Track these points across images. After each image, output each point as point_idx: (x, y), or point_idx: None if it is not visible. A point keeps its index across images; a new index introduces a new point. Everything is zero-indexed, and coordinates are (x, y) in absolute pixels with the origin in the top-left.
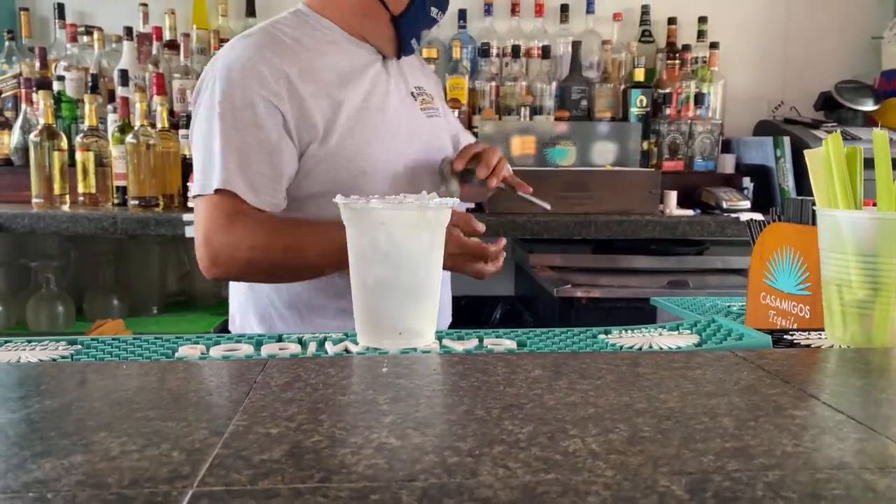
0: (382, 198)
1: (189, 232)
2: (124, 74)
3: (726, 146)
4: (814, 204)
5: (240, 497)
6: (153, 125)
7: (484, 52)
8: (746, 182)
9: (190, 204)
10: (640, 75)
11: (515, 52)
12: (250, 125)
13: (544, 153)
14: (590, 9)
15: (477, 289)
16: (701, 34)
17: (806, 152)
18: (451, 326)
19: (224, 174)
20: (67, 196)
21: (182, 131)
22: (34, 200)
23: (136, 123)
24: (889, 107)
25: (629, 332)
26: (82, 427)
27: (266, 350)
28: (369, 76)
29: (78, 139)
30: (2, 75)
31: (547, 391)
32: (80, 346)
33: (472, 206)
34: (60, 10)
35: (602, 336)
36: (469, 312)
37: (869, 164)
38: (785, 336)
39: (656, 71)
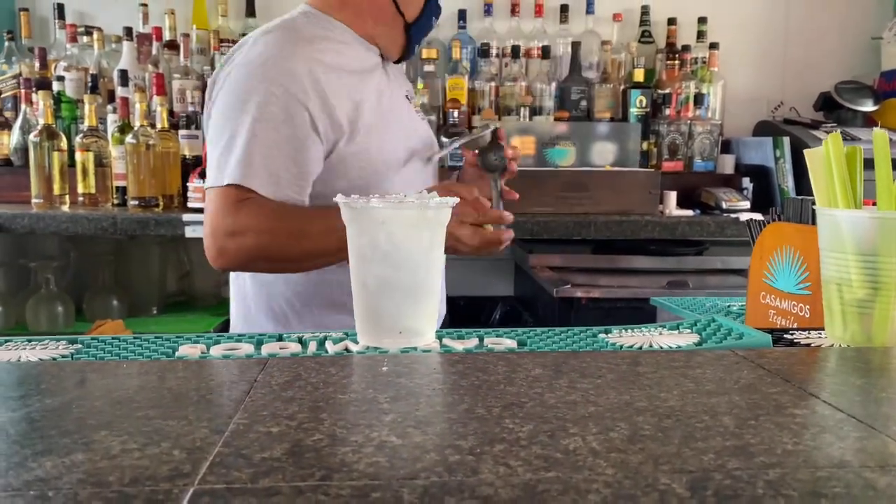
0: (382, 197)
1: (189, 232)
2: (124, 75)
3: (726, 146)
4: (814, 203)
5: (241, 495)
6: (153, 125)
7: (483, 52)
8: (746, 182)
9: (190, 204)
10: (639, 76)
11: (515, 52)
12: (277, 121)
13: (544, 153)
14: (589, 9)
15: (476, 289)
16: (700, 35)
17: (806, 152)
18: (451, 326)
19: (243, 169)
20: (67, 196)
21: (182, 132)
22: (34, 201)
23: (136, 124)
24: (888, 107)
25: (629, 331)
26: (83, 426)
27: (266, 349)
28: (376, 77)
29: (78, 139)
30: (1, 75)
31: (547, 390)
32: (80, 346)
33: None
34: (60, 10)
35: (602, 335)
36: (469, 312)
37: (869, 164)
38: (785, 335)
39: (656, 71)
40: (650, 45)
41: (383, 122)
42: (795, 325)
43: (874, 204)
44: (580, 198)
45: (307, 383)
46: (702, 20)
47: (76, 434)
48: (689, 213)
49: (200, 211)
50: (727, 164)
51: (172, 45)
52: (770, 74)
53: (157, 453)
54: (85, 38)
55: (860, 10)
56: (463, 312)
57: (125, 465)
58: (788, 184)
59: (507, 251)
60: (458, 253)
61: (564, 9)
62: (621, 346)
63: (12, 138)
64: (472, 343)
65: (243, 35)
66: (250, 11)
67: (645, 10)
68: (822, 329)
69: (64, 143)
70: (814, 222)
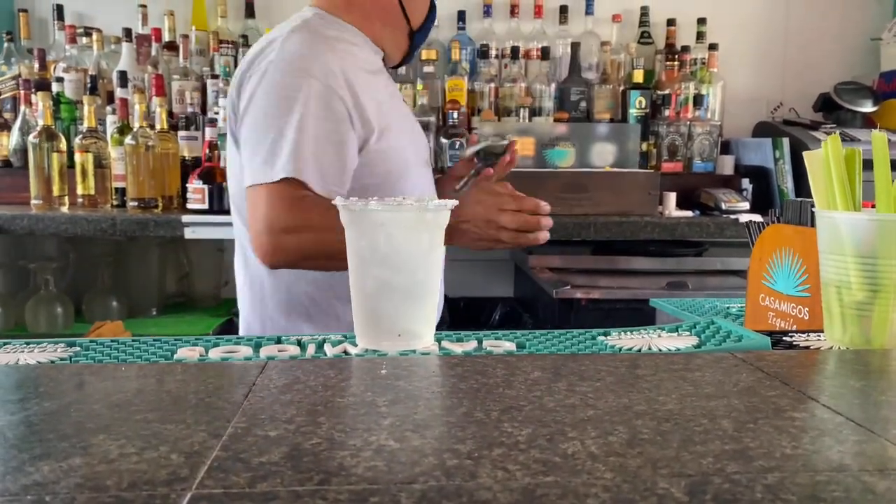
0: (381, 199)
1: (188, 233)
2: (123, 76)
3: (725, 147)
4: (813, 205)
5: (238, 500)
6: (152, 126)
7: (483, 53)
8: (745, 183)
9: (189, 205)
10: (639, 76)
11: (514, 53)
12: (321, 117)
13: (543, 154)
14: (589, 10)
15: (476, 290)
16: (700, 35)
17: (805, 154)
18: (451, 327)
19: (294, 164)
20: (66, 197)
21: (181, 133)
22: (33, 202)
23: (135, 125)
24: (888, 108)
25: (628, 333)
26: (81, 429)
27: (265, 352)
28: (384, 79)
29: (77, 140)
30: (1, 77)
31: (546, 393)
32: (78, 348)
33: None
34: (59, 11)
35: (601, 338)
36: (468, 314)
37: (868, 165)
38: (784, 338)
39: (655, 72)
40: (649, 46)
41: (397, 124)
42: (794, 328)
43: (873, 206)
44: (580, 199)
45: (306, 386)
46: (701, 21)
47: (74, 438)
48: (689, 214)
49: (199, 212)
50: (727, 165)
51: (172, 47)
52: (769, 75)
53: (155, 457)
54: (84, 40)
55: (860, 11)
56: (462, 313)
57: (123, 470)
58: (788, 185)
59: (507, 252)
60: (499, 244)
61: (564, 10)
62: (620, 349)
63: (11, 139)
64: (470, 346)
65: (243, 36)
66: (249, 13)
67: (644, 11)
68: (822, 331)
69: (63, 145)
70: (813, 224)
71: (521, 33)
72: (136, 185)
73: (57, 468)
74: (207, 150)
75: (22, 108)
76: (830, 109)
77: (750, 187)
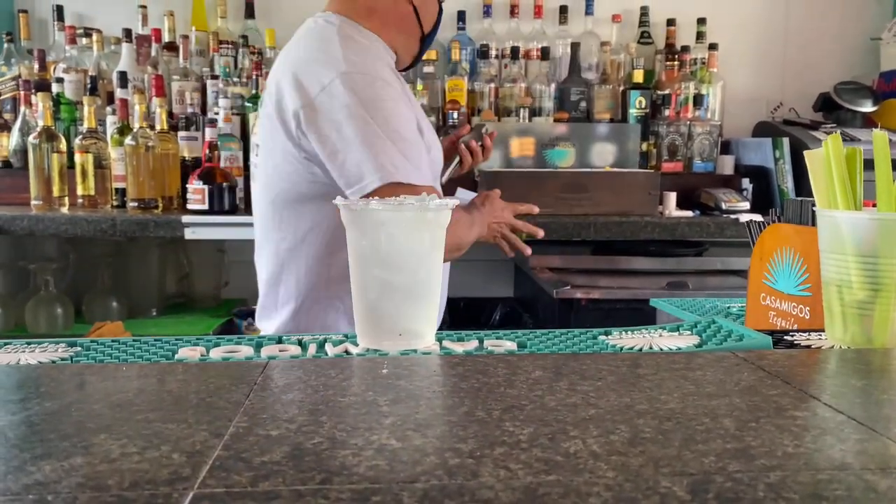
0: (381, 199)
1: (188, 234)
2: (123, 76)
3: (725, 147)
4: (813, 205)
5: (240, 499)
6: (152, 127)
7: (483, 53)
8: (746, 183)
9: (189, 206)
10: (639, 76)
11: (514, 53)
12: (403, 118)
13: (543, 154)
14: (589, 10)
15: (476, 290)
16: (700, 35)
17: (806, 153)
18: (451, 327)
19: (400, 164)
20: (66, 198)
21: (181, 133)
22: (33, 202)
23: (135, 125)
24: (888, 108)
25: (629, 333)
26: (82, 429)
27: (266, 352)
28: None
29: (77, 141)
30: (1, 77)
31: (548, 392)
32: (79, 348)
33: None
34: (59, 12)
35: (602, 337)
36: (468, 314)
37: (869, 164)
38: (785, 337)
39: (655, 72)
40: (649, 46)
41: (430, 133)
42: (796, 327)
43: (874, 205)
44: (580, 199)
45: (307, 386)
46: (701, 21)
47: (75, 438)
48: (689, 213)
49: (199, 213)
50: (727, 165)
51: (171, 47)
52: (769, 75)
53: (156, 457)
54: (84, 40)
55: (859, 10)
56: (463, 313)
57: (124, 469)
58: (788, 184)
59: None
60: (499, 234)
61: (563, 10)
62: (621, 348)
63: (11, 140)
64: (471, 345)
65: (243, 37)
66: (249, 13)
67: (644, 11)
68: (823, 331)
69: (63, 145)
70: (814, 223)
71: (521, 33)
72: (136, 186)
73: (58, 468)
74: (207, 151)
75: (22, 108)
76: (830, 109)
77: (750, 187)
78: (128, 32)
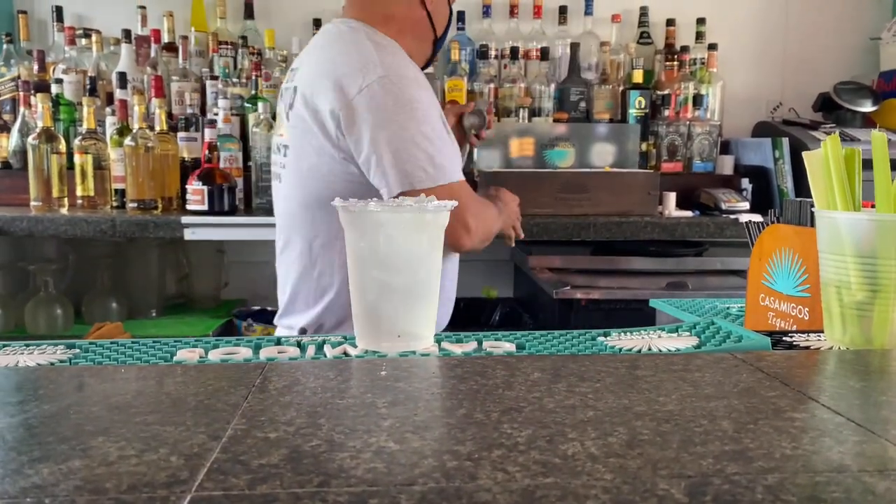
0: (380, 201)
1: (188, 234)
2: (123, 77)
3: (725, 147)
4: (812, 205)
5: (238, 502)
6: (151, 128)
7: (482, 53)
8: (745, 183)
9: (189, 206)
10: (638, 77)
11: (514, 53)
12: (438, 119)
13: (543, 155)
14: (588, 10)
15: (476, 290)
16: (699, 35)
17: (804, 154)
18: (451, 328)
19: (449, 164)
20: (66, 199)
21: (181, 134)
22: (32, 203)
23: (135, 126)
24: (888, 108)
25: (628, 334)
26: (80, 432)
27: (265, 353)
28: None
29: (76, 142)
30: (0, 78)
31: (546, 394)
32: (78, 350)
33: None
34: (59, 12)
35: (601, 338)
36: (468, 314)
37: (867, 165)
38: (784, 338)
39: (655, 72)
40: (649, 46)
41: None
42: (795, 328)
43: (873, 206)
44: (579, 199)
45: (305, 388)
46: (700, 21)
47: (73, 440)
48: (689, 214)
49: (199, 213)
50: (726, 165)
51: (171, 48)
52: (769, 75)
53: (154, 460)
54: (83, 41)
55: (859, 10)
56: (463, 313)
57: (122, 472)
58: (788, 184)
59: (507, 252)
60: (510, 226)
61: (563, 10)
62: (620, 350)
63: (11, 141)
64: (470, 346)
65: (242, 37)
66: (248, 14)
67: (643, 11)
68: (822, 331)
69: (62, 146)
70: (813, 224)
71: (521, 34)
72: (136, 187)
73: (56, 471)
74: (207, 152)
75: (21, 109)
76: (830, 109)
77: (750, 187)
78: (127, 33)
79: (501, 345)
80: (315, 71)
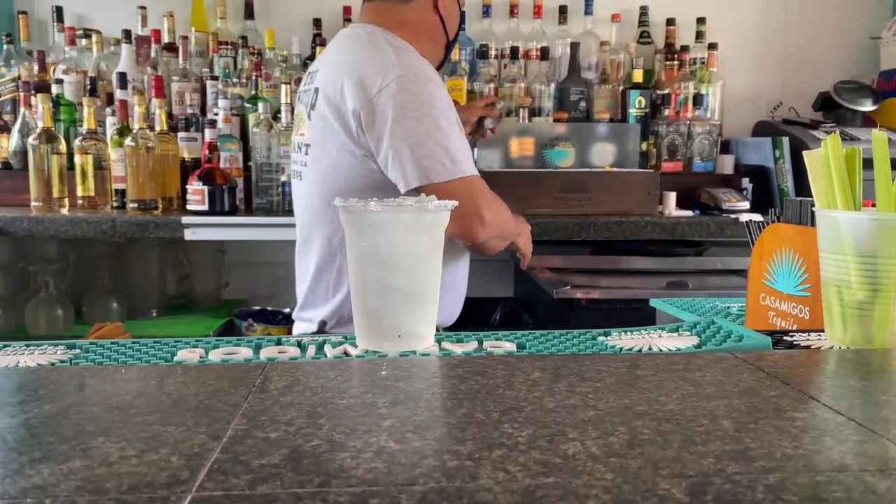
0: (381, 201)
1: (188, 234)
2: (123, 77)
3: (725, 147)
4: (813, 205)
5: (239, 502)
6: (152, 128)
7: (482, 53)
8: (745, 183)
9: (189, 206)
10: (638, 76)
11: (514, 53)
12: (453, 118)
13: (543, 155)
14: (588, 10)
15: (477, 290)
16: (699, 35)
17: (805, 153)
18: (450, 328)
19: (463, 158)
20: (66, 199)
21: (181, 134)
22: (33, 204)
23: (135, 126)
24: (888, 107)
25: (629, 333)
26: (81, 432)
27: (265, 353)
28: None
29: (76, 142)
30: (0, 78)
31: (546, 394)
32: (78, 351)
33: None
34: (59, 13)
35: (601, 338)
36: (469, 314)
37: (868, 164)
38: (785, 337)
39: (655, 72)
40: (649, 46)
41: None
42: (795, 327)
43: (873, 205)
44: (580, 199)
45: (306, 388)
46: (700, 20)
47: (74, 441)
48: (689, 213)
49: (199, 213)
50: (726, 165)
51: (171, 48)
52: (769, 74)
53: (155, 460)
54: (84, 41)
55: (859, 9)
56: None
57: (123, 472)
58: (788, 184)
59: (508, 252)
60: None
61: (563, 10)
62: (621, 349)
63: (11, 141)
64: (471, 346)
65: (243, 37)
66: (249, 14)
67: (643, 11)
68: (822, 331)
69: (63, 146)
70: (813, 224)
71: (521, 33)
72: (136, 187)
73: (57, 471)
74: (207, 152)
75: (22, 109)
76: (830, 108)
77: (750, 187)
78: (127, 33)
79: (502, 344)
80: (336, 72)
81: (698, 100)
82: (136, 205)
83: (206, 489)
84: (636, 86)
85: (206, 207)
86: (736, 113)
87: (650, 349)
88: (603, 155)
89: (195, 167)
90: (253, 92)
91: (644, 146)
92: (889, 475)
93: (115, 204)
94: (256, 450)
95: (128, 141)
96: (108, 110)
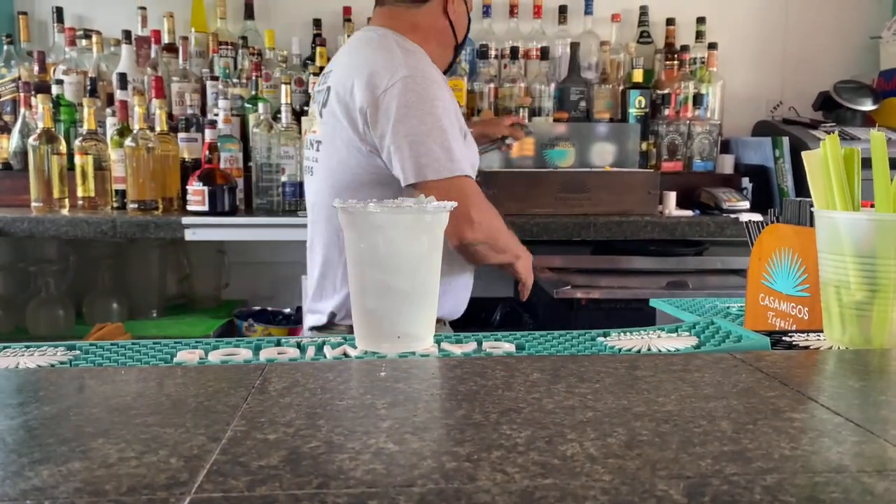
0: (380, 202)
1: (189, 235)
2: (123, 78)
3: (725, 146)
4: (812, 205)
5: None
6: (152, 128)
7: (482, 53)
8: (745, 182)
9: (190, 207)
10: (638, 76)
11: (514, 53)
12: (454, 120)
13: (543, 154)
14: (588, 10)
15: (477, 290)
16: (699, 35)
17: (803, 154)
18: (450, 328)
19: (457, 158)
20: (66, 200)
21: (181, 134)
22: (33, 204)
23: (135, 127)
24: (888, 107)
25: (628, 334)
26: (80, 433)
27: (264, 354)
28: None
29: (77, 143)
30: (1, 79)
31: (545, 395)
32: (78, 352)
33: None
34: (59, 13)
35: (601, 338)
36: (469, 314)
37: (867, 164)
38: (783, 338)
39: (655, 72)
40: (649, 46)
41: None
42: (794, 328)
43: (872, 205)
44: (580, 199)
45: (305, 389)
46: (700, 20)
47: (74, 442)
48: (689, 213)
49: (199, 214)
50: (726, 165)
51: (171, 48)
52: (769, 74)
53: (154, 461)
54: (84, 42)
55: (859, 9)
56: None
57: (122, 474)
58: (788, 183)
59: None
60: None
61: (563, 10)
62: (620, 350)
63: (11, 142)
64: (470, 347)
65: (243, 38)
66: (249, 14)
67: (643, 11)
68: (821, 331)
69: (63, 147)
70: (812, 224)
71: (521, 33)
72: (136, 187)
73: (56, 472)
74: (207, 152)
75: (22, 110)
76: (830, 108)
77: (750, 186)
78: (127, 34)
79: (501, 345)
80: (347, 72)
81: (698, 100)
82: (136, 205)
83: (206, 491)
84: (636, 86)
85: (206, 208)
86: (736, 113)
87: (649, 350)
88: (603, 155)
89: (195, 167)
90: (253, 92)
91: (644, 146)
92: (887, 476)
93: (115, 204)
94: (255, 451)
95: (128, 141)
96: (109, 111)
